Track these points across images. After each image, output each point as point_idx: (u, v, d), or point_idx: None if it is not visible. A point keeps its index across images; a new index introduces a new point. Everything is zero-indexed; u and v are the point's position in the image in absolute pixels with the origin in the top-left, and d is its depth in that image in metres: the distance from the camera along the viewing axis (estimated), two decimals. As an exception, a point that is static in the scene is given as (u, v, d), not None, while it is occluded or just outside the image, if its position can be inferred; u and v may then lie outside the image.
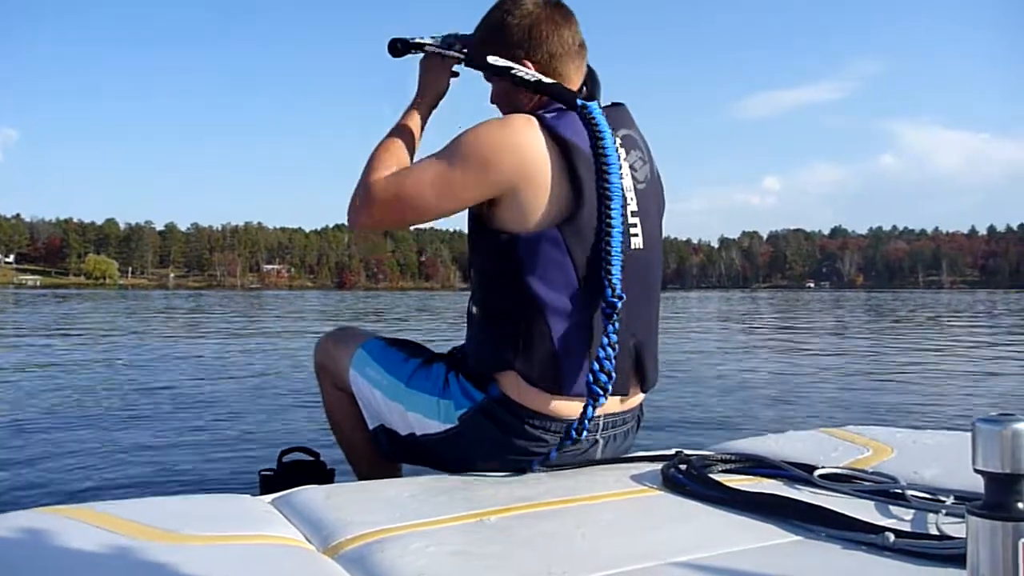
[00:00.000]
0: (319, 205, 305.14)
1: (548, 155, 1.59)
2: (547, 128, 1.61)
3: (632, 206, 1.68)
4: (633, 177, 1.70)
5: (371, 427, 1.86)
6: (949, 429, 1.93)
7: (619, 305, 1.59)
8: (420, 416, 1.73)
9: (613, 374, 1.61)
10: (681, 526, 1.29)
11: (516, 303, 1.63)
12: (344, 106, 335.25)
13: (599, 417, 1.68)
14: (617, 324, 1.60)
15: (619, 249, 1.61)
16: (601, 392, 1.60)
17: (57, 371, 7.76)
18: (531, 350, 1.61)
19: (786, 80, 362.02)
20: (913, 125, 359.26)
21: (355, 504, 1.39)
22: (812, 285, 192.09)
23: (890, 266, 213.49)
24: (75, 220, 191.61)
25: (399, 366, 1.80)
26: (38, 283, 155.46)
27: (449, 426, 1.69)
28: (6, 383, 6.78)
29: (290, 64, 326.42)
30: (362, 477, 1.93)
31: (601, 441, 1.72)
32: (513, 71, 1.67)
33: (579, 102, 1.65)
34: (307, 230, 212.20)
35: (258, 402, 5.78)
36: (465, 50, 1.82)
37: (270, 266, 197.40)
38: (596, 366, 1.59)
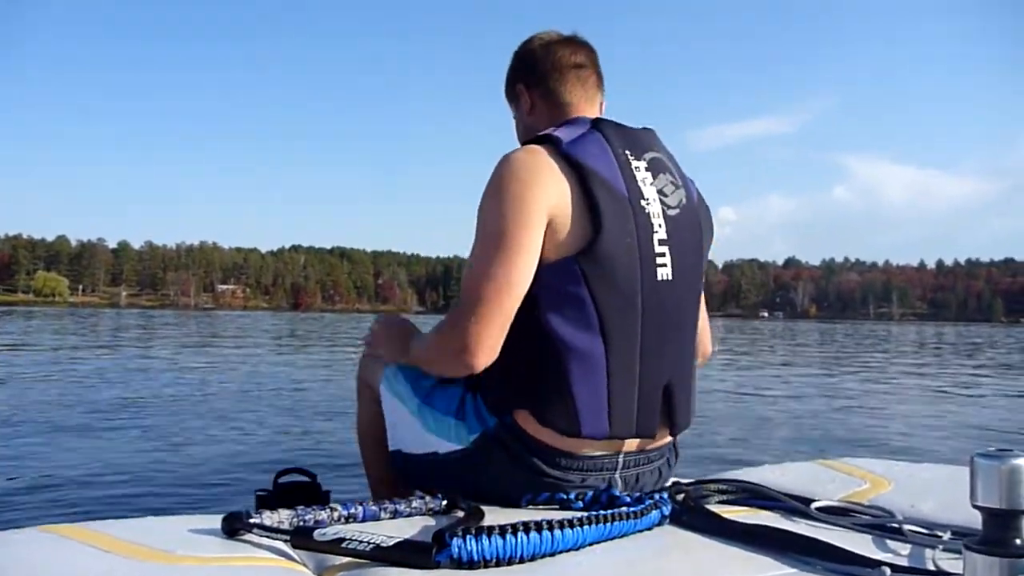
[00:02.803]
0: (275, 226, 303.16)
1: (566, 181, 1.53)
2: (562, 154, 1.55)
3: (660, 234, 1.58)
4: (663, 203, 1.61)
5: (391, 448, 1.81)
6: (946, 463, 1.94)
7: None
8: (434, 436, 1.68)
9: (635, 418, 1.57)
10: (678, 557, 1.29)
11: (530, 340, 1.55)
12: (300, 123, 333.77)
13: (618, 455, 1.62)
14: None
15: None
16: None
17: (35, 391, 7.60)
18: (546, 391, 1.54)
19: (737, 113, 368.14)
20: (863, 159, 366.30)
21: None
22: (766, 315, 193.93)
23: (842, 297, 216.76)
24: (25, 236, 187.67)
25: (418, 383, 1.76)
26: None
27: (460, 447, 1.64)
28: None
29: (247, 79, 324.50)
30: (375, 496, 1.89)
31: (620, 480, 1.65)
32: None
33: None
34: (263, 250, 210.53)
35: (255, 424, 5.73)
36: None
37: (225, 286, 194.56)
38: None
